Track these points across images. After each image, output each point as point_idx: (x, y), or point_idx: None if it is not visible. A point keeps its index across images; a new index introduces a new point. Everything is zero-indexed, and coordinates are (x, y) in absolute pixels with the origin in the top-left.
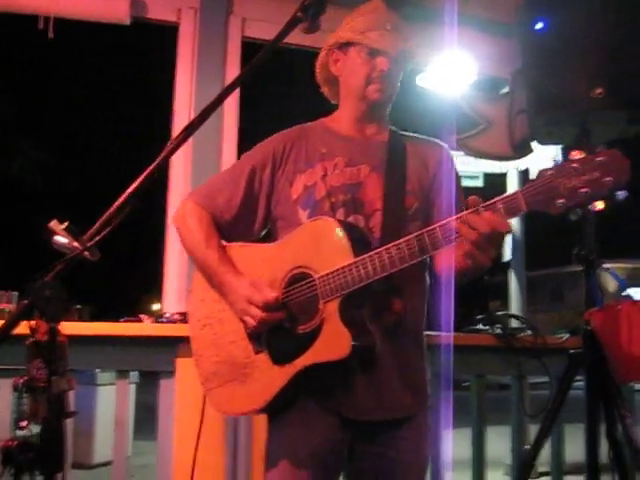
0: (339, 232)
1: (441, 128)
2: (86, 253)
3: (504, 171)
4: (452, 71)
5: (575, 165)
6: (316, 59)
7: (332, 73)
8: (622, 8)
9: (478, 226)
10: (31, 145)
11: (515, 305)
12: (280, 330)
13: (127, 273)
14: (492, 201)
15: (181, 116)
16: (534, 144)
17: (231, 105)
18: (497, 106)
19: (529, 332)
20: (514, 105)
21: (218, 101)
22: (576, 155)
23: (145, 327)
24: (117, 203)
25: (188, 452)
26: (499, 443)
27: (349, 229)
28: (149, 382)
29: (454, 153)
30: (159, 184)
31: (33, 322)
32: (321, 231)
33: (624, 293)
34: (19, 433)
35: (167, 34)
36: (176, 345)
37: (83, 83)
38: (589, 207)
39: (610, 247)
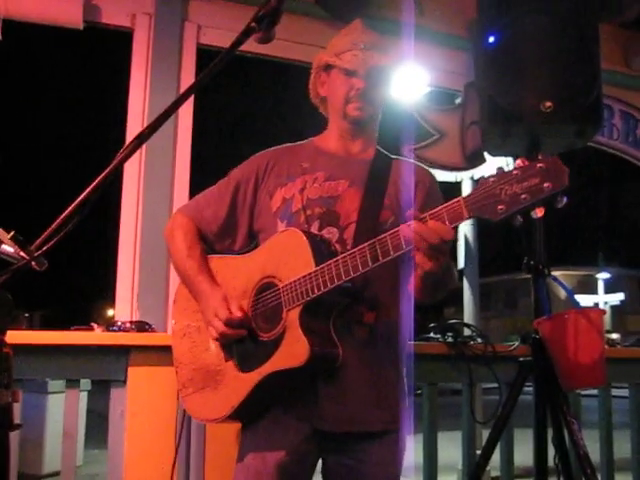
0: (303, 242)
1: (397, 137)
2: (33, 263)
3: (459, 180)
4: (407, 82)
5: (516, 172)
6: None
7: (320, 94)
8: (570, 24)
9: (424, 235)
10: None
11: (469, 312)
12: (248, 338)
13: (84, 278)
14: (436, 209)
15: (135, 122)
16: (487, 154)
17: (185, 112)
18: (450, 117)
19: (480, 340)
20: (466, 117)
21: (171, 109)
22: (518, 163)
23: (96, 336)
24: (67, 211)
25: (139, 461)
26: (452, 449)
27: (315, 240)
28: (102, 389)
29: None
30: (113, 191)
31: None
32: (287, 241)
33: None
34: None
35: (122, 39)
36: (128, 353)
37: (37, 87)
38: (531, 213)
39: (561, 255)
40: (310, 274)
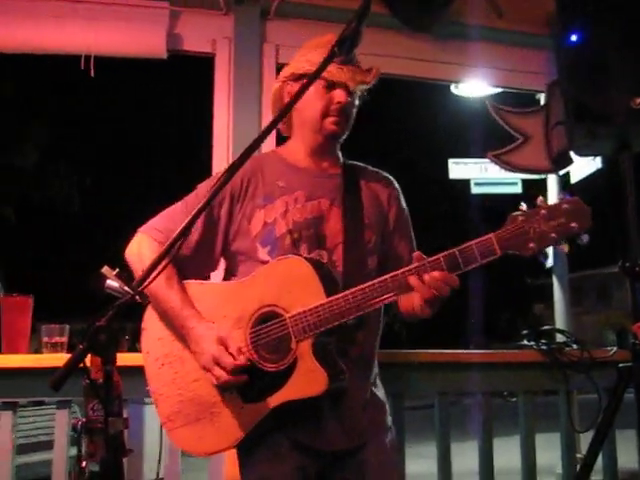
0: (310, 271)
1: (478, 140)
2: (137, 298)
3: (543, 176)
4: (486, 85)
5: (543, 212)
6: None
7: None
8: None
9: (435, 285)
10: (70, 171)
11: (559, 309)
12: (249, 369)
13: None
14: (448, 252)
15: (220, 144)
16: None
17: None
18: (533, 120)
19: (575, 346)
20: (551, 118)
21: (258, 142)
22: (541, 202)
23: None
24: (165, 247)
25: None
26: (549, 451)
27: (321, 268)
28: None
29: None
30: None
31: (88, 363)
32: (290, 270)
33: None
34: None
35: (202, 65)
36: None
37: (123, 114)
38: (557, 248)
39: None
40: (323, 305)
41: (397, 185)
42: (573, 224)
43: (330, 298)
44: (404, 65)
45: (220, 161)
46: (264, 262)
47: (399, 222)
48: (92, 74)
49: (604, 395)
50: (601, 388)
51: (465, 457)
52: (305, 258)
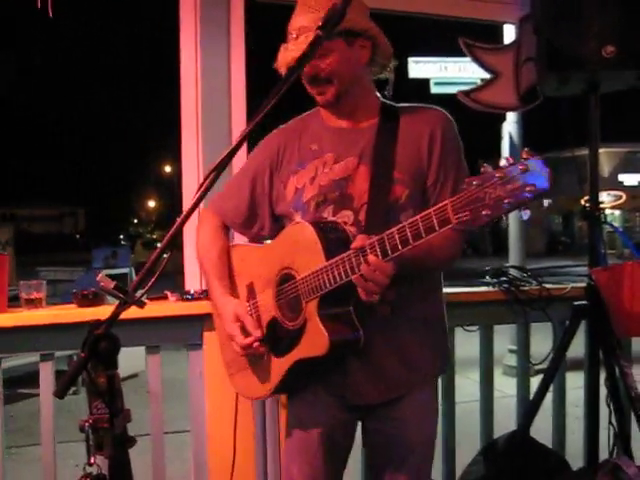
0: (313, 237)
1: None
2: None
3: None
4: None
5: (499, 174)
6: None
7: None
8: None
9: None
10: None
11: None
12: (277, 325)
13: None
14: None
15: (188, 82)
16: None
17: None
18: (504, 56)
19: (534, 282)
20: (521, 53)
21: (240, 144)
22: (504, 163)
23: (173, 307)
24: (154, 255)
25: (220, 417)
26: (497, 341)
27: (325, 232)
28: None
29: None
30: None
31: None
32: (299, 235)
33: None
34: (89, 469)
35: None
36: (202, 320)
37: (89, 57)
38: (519, 214)
39: (603, 132)
40: (322, 269)
41: (444, 120)
42: (529, 187)
43: (327, 262)
44: None
45: (188, 98)
46: None
47: (440, 170)
48: (51, 14)
49: (559, 328)
50: (557, 321)
51: None
52: (311, 222)
